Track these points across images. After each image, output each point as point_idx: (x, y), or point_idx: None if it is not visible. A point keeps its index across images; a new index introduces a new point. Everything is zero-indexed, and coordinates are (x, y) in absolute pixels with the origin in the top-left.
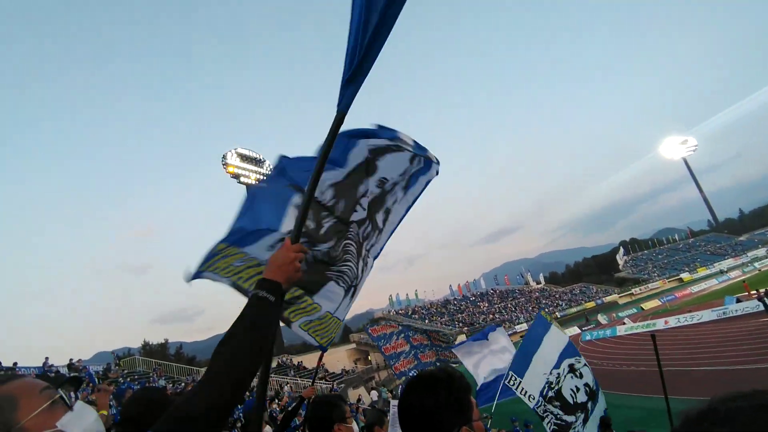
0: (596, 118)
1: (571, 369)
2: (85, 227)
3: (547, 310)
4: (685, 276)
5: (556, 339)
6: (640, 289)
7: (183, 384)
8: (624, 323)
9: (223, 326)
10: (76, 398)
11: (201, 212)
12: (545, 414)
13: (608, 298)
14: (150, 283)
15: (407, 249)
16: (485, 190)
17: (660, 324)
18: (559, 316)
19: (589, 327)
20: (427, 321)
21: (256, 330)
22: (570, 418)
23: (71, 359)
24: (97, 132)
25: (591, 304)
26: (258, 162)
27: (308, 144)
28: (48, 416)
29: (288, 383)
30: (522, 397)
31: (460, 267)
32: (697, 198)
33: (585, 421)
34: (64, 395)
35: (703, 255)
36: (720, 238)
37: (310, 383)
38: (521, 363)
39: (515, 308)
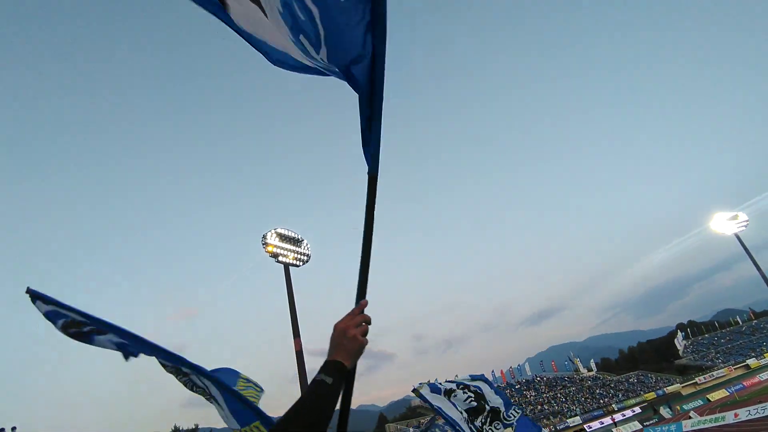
0: (642, 193)
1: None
2: (122, 305)
3: (603, 401)
4: (752, 362)
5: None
6: (705, 378)
7: None
8: (690, 417)
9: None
10: None
11: (240, 291)
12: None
13: (670, 389)
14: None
15: (445, 333)
16: (527, 269)
17: (730, 417)
18: (615, 408)
19: (651, 422)
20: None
21: (311, 412)
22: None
23: None
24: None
25: (651, 395)
26: (296, 241)
27: (345, 212)
28: None
29: None
30: None
31: (502, 351)
32: (755, 276)
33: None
34: None
35: None
36: None
37: None
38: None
39: (565, 398)
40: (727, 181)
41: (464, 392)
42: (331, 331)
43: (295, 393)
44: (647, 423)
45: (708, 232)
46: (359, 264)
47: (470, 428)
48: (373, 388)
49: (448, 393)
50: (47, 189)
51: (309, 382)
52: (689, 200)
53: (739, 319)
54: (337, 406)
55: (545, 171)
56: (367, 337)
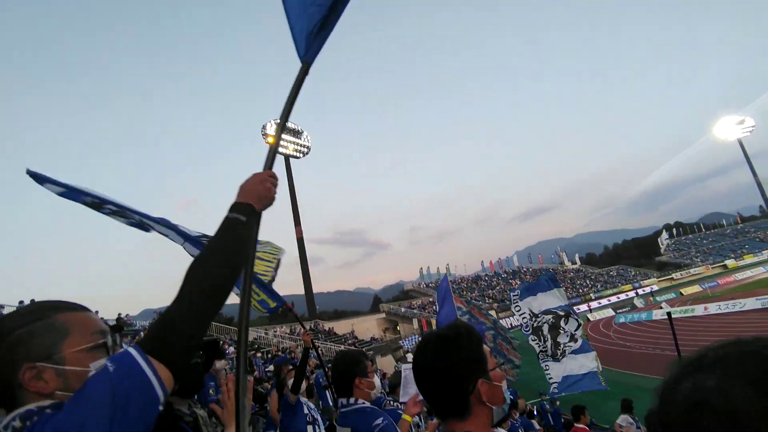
0: (648, 99)
1: (556, 317)
2: (134, 193)
3: (582, 290)
4: (731, 263)
5: (555, 296)
6: (681, 275)
7: (221, 342)
8: (661, 308)
9: None
10: (121, 347)
11: (240, 180)
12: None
13: (646, 282)
14: None
15: (439, 225)
16: (525, 166)
17: (699, 310)
18: (593, 297)
19: (624, 310)
20: (457, 295)
21: (227, 250)
22: (538, 347)
23: (119, 314)
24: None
25: (628, 287)
26: (296, 133)
27: (338, 109)
28: (88, 356)
29: (319, 347)
30: (515, 312)
31: (494, 244)
32: (750, 183)
33: (556, 354)
34: (110, 343)
35: (752, 242)
36: None
37: (340, 348)
38: (526, 291)
39: None
40: (734, 84)
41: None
42: (328, 218)
43: (296, 276)
44: (620, 310)
45: (711, 137)
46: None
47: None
48: (369, 273)
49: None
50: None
51: (223, 229)
52: (694, 106)
53: (725, 223)
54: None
55: (556, 71)
56: (364, 227)
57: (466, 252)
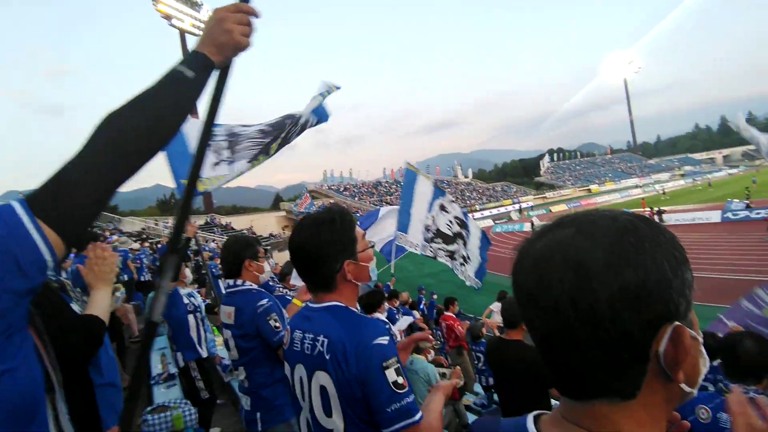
0: (562, 30)
1: (442, 207)
2: None
3: (469, 202)
4: (594, 188)
5: (424, 187)
6: (553, 194)
7: (98, 230)
8: (533, 222)
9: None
10: None
11: (127, 56)
12: (434, 252)
13: (524, 198)
14: (67, 125)
15: (346, 130)
16: (438, 79)
17: None
18: (477, 209)
19: (502, 221)
20: (356, 199)
21: (156, 109)
22: (452, 247)
23: None
24: None
25: (508, 202)
26: (194, 5)
27: None
28: None
29: (215, 240)
30: (412, 250)
31: (398, 153)
32: (625, 119)
33: (465, 244)
34: None
35: (615, 171)
36: (633, 158)
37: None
38: (403, 221)
39: None
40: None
41: (450, 216)
42: (228, 109)
43: None
44: (498, 221)
45: (600, 73)
46: None
47: (427, 240)
48: (272, 172)
49: (443, 204)
50: None
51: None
52: (600, 41)
53: (597, 153)
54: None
55: None
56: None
57: (370, 159)
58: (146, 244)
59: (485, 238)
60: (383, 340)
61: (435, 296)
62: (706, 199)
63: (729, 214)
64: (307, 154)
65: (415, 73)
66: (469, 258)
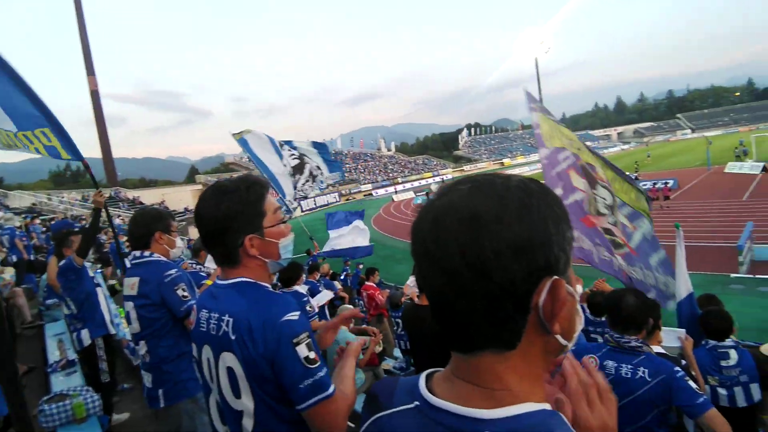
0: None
1: (290, 154)
2: None
3: (392, 175)
4: (507, 161)
5: (259, 146)
6: (470, 167)
7: None
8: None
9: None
10: None
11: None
12: (305, 192)
13: (443, 171)
14: None
15: (268, 99)
16: (358, 52)
17: None
18: (400, 181)
19: (422, 193)
20: None
21: None
22: (306, 174)
23: None
24: None
25: (428, 175)
26: None
27: None
28: None
29: (120, 216)
30: (290, 204)
31: (321, 124)
32: (536, 97)
33: (307, 168)
34: None
35: (525, 146)
36: None
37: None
38: (277, 187)
39: (364, 170)
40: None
41: (291, 152)
42: (135, 72)
43: (90, 137)
44: (419, 193)
45: (515, 51)
46: None
47: (293, 181)
48: (186, 142)
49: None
50: None
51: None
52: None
53: (510, 128)
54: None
55: None
56: (183, 90)
57: (294, 129)
58: (38, 221)
59: (332, 162)
60: (293, 315)
61: (361, 266)
62: None
63: None
64: (225, 124)
65: (340, 44)
66: (319, 169)
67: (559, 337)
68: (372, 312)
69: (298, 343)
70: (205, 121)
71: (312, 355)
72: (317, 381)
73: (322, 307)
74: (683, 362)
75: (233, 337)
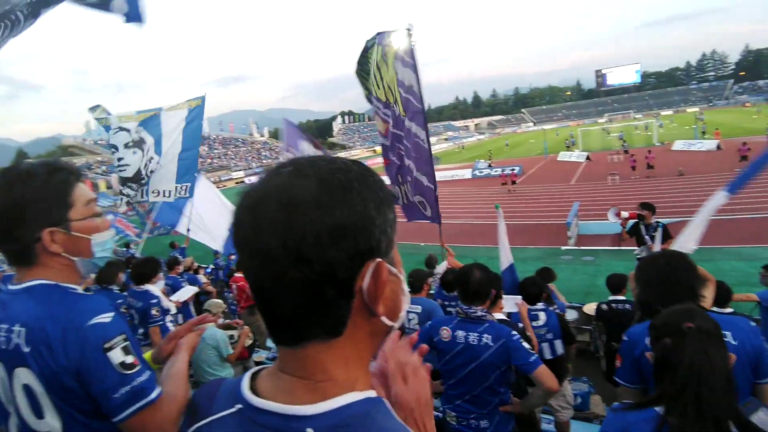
0: None
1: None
2: None
3: (266, 162)
4: (378, 149)
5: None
6: (344, 154)
7: None
8: None
9: None
10: None
11: None
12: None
13: None
14: None
15: (120, 73)
16: (228, 28)
17: None
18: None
19: None
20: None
21: None
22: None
23: None
24: None
25: None
26: None
27: None
28: None
29: None
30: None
31: None
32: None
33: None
34: None
35: None
36: None
37: None
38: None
39: (235, 156)
40: None
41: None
42: None
43: None
44: None
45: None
46: None
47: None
48: (12, 120)
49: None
50: None
51: None
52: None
53: None
54: None
55: None
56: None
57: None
58: None
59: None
60: (103, 318)
61: (233, 257)
62: (461, 159)
63: (476, 172)
64: (63, 100)
65: (209, 18)
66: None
67: (384, 318)
68: (243, 304)
69: (110, 348)
70: (35, 96)
71: (129, 359)
72: (136, 387)
73: (186, 304)
74: (520, 325)
75: (27, 350)
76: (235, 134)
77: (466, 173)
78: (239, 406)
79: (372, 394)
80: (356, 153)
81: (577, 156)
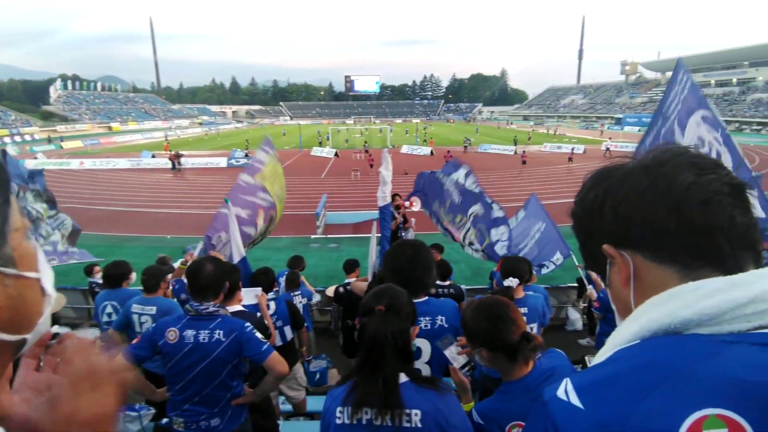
0: None
1: None
2: None
3: None
4: (116, 126)
5: None
6: (66, 128)
7: None
8: (36, 158)
9: None
10: None
11: None
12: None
13: (27, 130)
14: None
15: None
16: None
17: (75, 164)
18: None
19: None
20: None
21: None
22: None
23: None
24: None
25: (5, 132)
26: None
27: None
28: None
29: None
30: None
31: None
32: (150, 59)
33: None
34: None
35: (138, 111)
36: (157, 101)
37: None
38: None
39: None
40: None
41: None
42: None
43: None
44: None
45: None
46: None
47: None
48: None
49: None
50: None
51: None
52: None
53: (120, 88)
54: None
55: None
56: None
57: None
58: None
59: None
60: None
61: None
62: (217, 146)
63: (233, 161)
64: None
65: None
66: None
67: (2, 334)
68: None
69: None
70: None
71: None
72: None
73: None
74: (258, 314)
75: None
76: None
77: (222, 161)
78: None
79: None
80: (84, 128)
81: (327, 152)
